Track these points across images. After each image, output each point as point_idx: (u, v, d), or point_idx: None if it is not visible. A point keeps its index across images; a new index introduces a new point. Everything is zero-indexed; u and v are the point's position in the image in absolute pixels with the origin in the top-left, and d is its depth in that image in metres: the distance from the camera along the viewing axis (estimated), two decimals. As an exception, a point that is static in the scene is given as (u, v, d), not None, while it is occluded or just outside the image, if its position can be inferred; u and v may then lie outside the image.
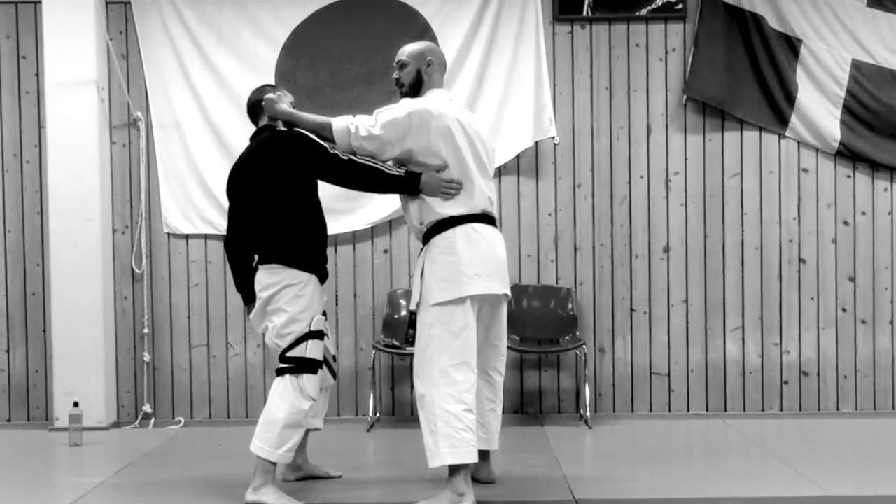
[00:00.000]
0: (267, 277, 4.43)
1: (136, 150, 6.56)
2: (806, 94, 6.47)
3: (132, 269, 6.55)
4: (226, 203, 4.79)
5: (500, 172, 6.46)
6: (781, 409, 6.55)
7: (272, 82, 6.45)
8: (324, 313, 4.53)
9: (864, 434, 5.95)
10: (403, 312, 6.45)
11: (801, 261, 6.56)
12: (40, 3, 6.35)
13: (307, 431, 4.65)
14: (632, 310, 6.57)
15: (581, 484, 4.63)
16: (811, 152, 6.55)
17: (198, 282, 6.57)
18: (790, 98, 6.47)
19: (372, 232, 6.57)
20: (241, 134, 5.80)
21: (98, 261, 6.30)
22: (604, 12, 6.50)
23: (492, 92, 6.48)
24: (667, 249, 6.57)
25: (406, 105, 4.34)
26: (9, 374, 6.56)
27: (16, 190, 6.55)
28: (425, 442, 4.23)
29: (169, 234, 6.57)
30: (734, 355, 6.55)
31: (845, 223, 6.55)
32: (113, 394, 6.47)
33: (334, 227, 6.23)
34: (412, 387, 6.45)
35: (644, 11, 6.51)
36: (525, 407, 6.58)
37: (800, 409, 6.54)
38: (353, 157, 4.36)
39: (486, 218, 4.38)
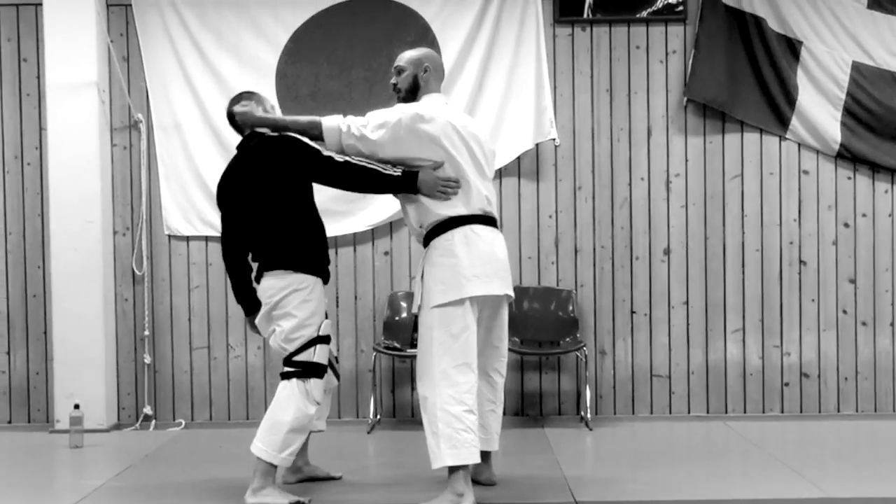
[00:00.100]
0: (274, 282, 4.41)
1: (137, 153, 6.56)
2: (806, 96, 6.47)
3: (133, 271, 6.55)
4: None
5: (500, 174, 6.47)
6: (782, 411, 6.55)
7: (273, 84, 6.49)
8: (325, 315, 4.54)
9: (864, 436, 5.95)
10: (404, 314, 6.46)
11: (801, 263, 6.56)
12: (41, 5, 6.35)
13: (309, 433, 4.64)
14: (632, 312, 6.57)
15: (582, 486, 4.63)
16: (812, 154, 6.56)
17: (198, 284, 6.57)
18: (790, 100, 6.48)
19: (373, 234, 6.57)
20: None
21: (99, 263, 6.30)
22: (604, 14, 6.51)
23: (492, 94, 6.48)
24: (667, 251, 6.57)
25: (398, 109, 4.38)
26: (9, 376, 6.56)
27: (17, 192, 6.56)
28: (428, 443, 4.24)
29: (170, 235, 6.58)
30: (735, 357, 6.55)
31: (846, 225, 6.55)
32: (114, 396, 6.48)
33: (335, 229, 6.26)
34: (413, 389, 6.50)
35: (644, 13, 6.51)
36: (526, 409, 6.58)
37: (800, 411, 6.54)
38: (349, 159, 4.35)
39: (485, 219, 4.38)
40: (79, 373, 6.23)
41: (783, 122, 6.51)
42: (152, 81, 6.53)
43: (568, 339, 6.44)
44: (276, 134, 4.47)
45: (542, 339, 6.52)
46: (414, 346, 5.90)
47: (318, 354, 4.40)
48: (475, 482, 4.53)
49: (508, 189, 6.55)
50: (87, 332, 6.26)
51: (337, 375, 4.76)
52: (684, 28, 6.54)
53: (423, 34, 6.42)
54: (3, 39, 6.55)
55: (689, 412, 6.55)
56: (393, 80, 4.56)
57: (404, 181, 4.32)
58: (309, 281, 4.41)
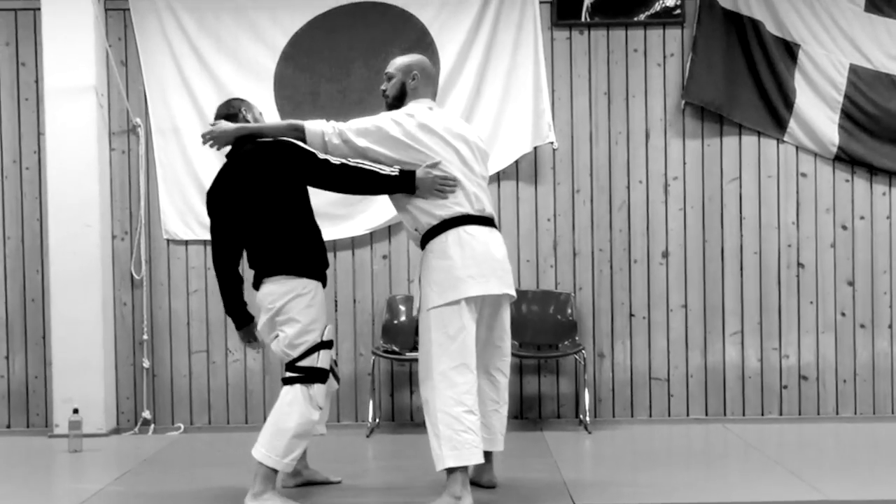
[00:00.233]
0: (275, 288, 4.39)
1: (136, 157, 6.57)
2: (804, 99, 6.48)
3: (131, 276, 6.55)
4: None
5: (498, 178, 6.47)
6: (781, 414, 6.55)
7: (271, 88, 6.49)
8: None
9: (863, 438, 5.95)
10: (403, 318, 6.46)
11: (799, 265, 6.56)
12: (39, 9, 6.35)
13: (308, 437, 4.65)
14: (631, 315, 6.57)
15: (581, 489, 4.63)
16: (809, 157, 6.56)
17: (197, 288, 6.57)
18: (788, 103, 6.48)
19: (371, 237, 6.57)
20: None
21: (97, 267, 6.30)
22: (602, 18, 6.51)
23: (490, 97, 6.48)
24: (666, 254, 6.57)
25: (380, 115, 4.44)
26: (8, 381, 6.56)
27: (15, 196, 6.56)
28: (431, 446, 4.25)
29: (168, 240, 6.58)
30: (733, 360, 6.55)
31: (844, 228, 6.56)
32: (112, 400, 6.47)
33: (333, 232, 6.27)
34: (412, 392, 6.50)
35: (642, 17, 6.52)
36: (524, 412, 6.58)
37: (799, 414, 6.55)
38: (345, 161, 4.34)
39: (479, 219, 4.39)
40: (77, 377, 6.22)
41: (781, 125, 6.52)
42: (150, 85, 6.53)
43: (566, 343, 6.44)
44: (270, 139, 4.47)
45: (540, 342, 6.52)
46: (413, 349, 5.92)
47: (322, 360, 4.40)
48: (476, 484, 4.55)
49: (507, 192, 6.55)
50: (86, 336, 6.26)
51: (337, 379, 4.77)
52: (682, 31, 6.55)
53: (420, 38, 6.43)
54: (2, 44, 6.55)
55: (687, 415, 6.56)
56: (382, 87, 4.60)
57: (402, 181, 4.32)
58: (311, 286, 4.41)
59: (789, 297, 6.55)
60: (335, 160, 4.35)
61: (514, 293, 4.54)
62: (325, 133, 4.38)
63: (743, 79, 6.50)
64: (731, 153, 6.57)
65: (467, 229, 4.33)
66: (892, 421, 6.40)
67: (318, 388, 4.38)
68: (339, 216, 6.33)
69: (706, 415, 6.56)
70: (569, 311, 6.50)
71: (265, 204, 4.40)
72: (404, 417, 6.57)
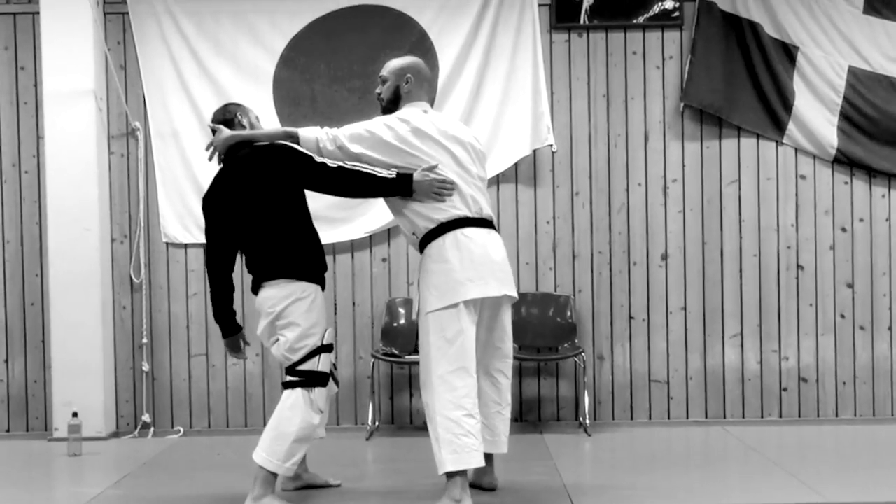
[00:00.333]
0: (275, 292, 4.39)
1: (135, 160, 6.57)
2: (803, 101, 6.48)
3: (131, 279, 6.55)
4: None
5: (497, 180, 6.48)
6: (780, 416, 6.55)
7: (270, 92, 6.49)
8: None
9: (863, 441, 5.95)
10: (402, 321, 6.46)
11: (799, 267, 6.56)
12: (38, 13, 6.35)
13: (307, 440, 4.65)
14: (630, 317, 6.57)
15: (580, 492, 4.63)
16: (808, 159, 6.56)
17: (196, 291, 6.57)
18: (787, 105, 6.49)
19: (370, 240, 6.57)
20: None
21: (97, 271, 6.30)
22: (601, 20, 6.52)
23: (489, 100, 6.49)
24: (665, 257, 6.57)
25: (374, 120, 4.42)
26: (7, 385, 6.56)
27: (14, 200, 6.56)
28: (433, 449, 4.25)
29: (167, 243, 6.58)
30: (733, 362, 6.55)
31: (843, 230, 6.56)
32: (112, 404, 6.47)
33: (333, 236, 6.27)
34: (411, 395, 6.50)
35: (641, 19, 6.52)
36: (524, 415, 6.58)
37: (799, 416, 6.54)
38: (342, 164, 4.33)
39: (477, 221, 4.38)
40: (77, 381, 6.22)
41: (780, 127, 6.52)
42: (149, 89, 6.54)
43: (566, 345, 6.44)
44: (266, 143, 4.46)
45: (540, 344, 6.52)
46: (412, 352, 5.92)
47: (322, 363, 4.40)
48: (477, 486, 4.56)
49: (506, 195, 6.55)
50: (85, 340, 6.26)
51: (337, 382, 4.76)
52: (681, 33, 6.55)
53: (419, 41, 6.43)
54: (1, 48, 6.55)
55: (687, 417, 6.55)
56: (377, 90, 4.60)
57: (399, 183, 4.31)
58: (310, 289, 4.41)
59: (789, 300, 6.55)
60: (332, 163, 4.34)
61: (514, 293, 4.53)
62: (319, 139, 4.38)
63: (742, 81, 6.50)
64: (730, 155, 6.57)
65: (465, 232, 4.33)
66: (891, 423, 6.40)
67: (319, 392, 4.38)
68: (338, 219, 6.33)
69: (706, 417, 6.56)
70: (568, 313, 6.49)
71: (262, 208, 4.39)
72: (404, 420, 6.57)
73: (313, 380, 4.37)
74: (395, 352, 6.28)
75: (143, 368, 6.53)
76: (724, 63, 6.48)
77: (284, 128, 4.57)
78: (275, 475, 4.35)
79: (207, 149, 4.56)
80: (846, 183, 6.57)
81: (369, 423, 6.31)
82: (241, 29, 6.51)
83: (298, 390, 4.35)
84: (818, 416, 6.54)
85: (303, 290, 4.39)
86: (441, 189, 4.31)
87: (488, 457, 4.57)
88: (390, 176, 4.31)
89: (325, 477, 4.88)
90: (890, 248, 6.55)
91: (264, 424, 4.44)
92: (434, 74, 6.16)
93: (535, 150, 6.49)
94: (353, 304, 6.58)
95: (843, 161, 6.51)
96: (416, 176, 4.29)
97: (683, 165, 6.58)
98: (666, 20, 6.52)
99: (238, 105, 4.73)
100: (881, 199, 6.57)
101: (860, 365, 6.55)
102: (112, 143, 6.56)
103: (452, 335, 4.24)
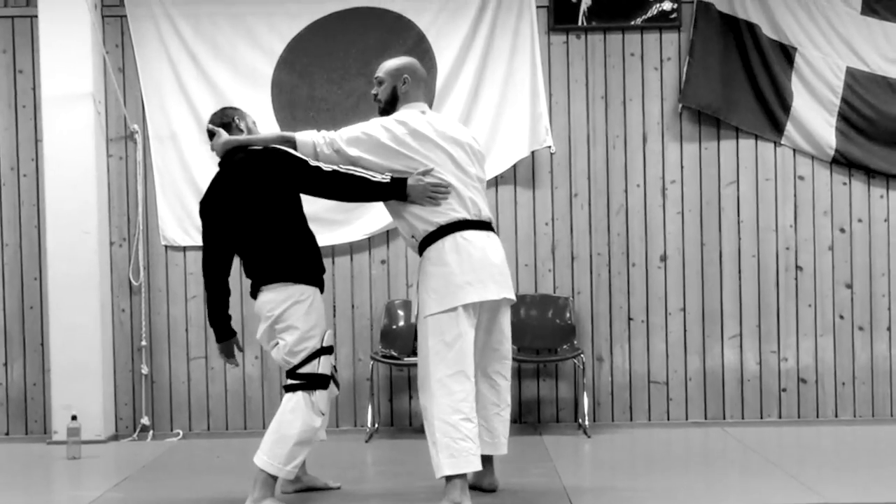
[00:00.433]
0: (273, 296, 4.39)
1: (133, 163, 6.57)
2: (801, 102, 6.49)
3: (130, 282, 6.55)
4: None
5: (496, 182, 6.48)
6: (780, 417, 6.55)
7: (268, 94, 6.49)
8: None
9: (862, 441, 5.95)
10: (401, 323, 6.46)
11: (798, 268, 6.57)
12: (36, 17, 6.35)
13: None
14: (629, 318, 6.57)
15: (580, 493, 4.63)
16: (807, 160, 6.57)
17: (195, 294, 6.57)
18: (785, 106, 6.49)
19: (369, 243, 6.57)
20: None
21: (95, 274, 6.30)
22: (599, 22, 6.52)
23: (488, 102, 6.49)
24: (664, 258, 6.57)
25: (370, 122, 4.41)
26: (7, 388, 6.55)
27: (13, 203, 6.56)
28: (430, 453, 4.24)
29: (166, 246, 6.58)
30: (732, 363, 6.55)
31: (842, 230, 6.56)
32: (111, 407, 6.46)
33: (331, 238, 6.27)
34: (411, 397, 6.50)
35: (639, 21, 6.52)
36: (523, 416, 6.58)
37: (798, 417, 6.54)
38: (337, 168, 4.33)
39: (477, 224, 4.38)
40: (76, 384, 6.22)
41: (778, 128, 6.52)
42: (148, 92, 6.54)
43: (565, 347, 6.44)
44: (261, 147, 4.46)
45: (539, 346, 6.52)
46: (411, 354, 5.91)
47: (323, 366, 4.40)
48: (477, 488, 4.55)
49: (504, 197, 6.56)
50: (84, 343, 6.25)
51: (337, 385, 4.76)
52: (679, 35, 6.55)
53: (417, 43, 6.43)
54: (-1, 51, 6.57)
55: (686, 418, 6.55)
56: (373, 91, 4.57)
57: (393, 188, 4.31)
58: (309, 292, 4.41)
59: (787, 300, 6.55)
60: (327, 167, 4.34)
61: (513, 296, 4.53)
62: (316, 143, 4.37)
63: (740, 82, 6.51)
64: (729, 156, 6.58)
65: (464, 235, 4.32)
66: (891, 423, 6.40)
67: (319, 395, 4.38)
68: (337, 221, 6.33)
69: (705, 418, 6.56)
70: (567, 315, 6.49)
71: (259, 211, 4.40)
72: (403, 422, 6.57)
73: (314, 382, 4.37)
74: (395, 354, 6.27)
75: (143, 371, 6.53)
76: (722, 64, 6.49)
77: (282, 132, 4.56)
78: (274, 478, 4.35)
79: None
80: (844, 184, 6.57)
81: (368, 425, 6.31)
82: (240, 32, 6.52)
83: (299, 393, 4.36)
84: (817, 416, 6.54)
85: (301, 292, 4.39)
86: (435, 193, 4.30)
87: (488, 458, 4.56)
88: (384, 180, 4.31)
89: (325, 479, 4.88)
90: (888, 248, 6.56)
91: (264, 427, 4.44)
92: (432, 76, 6.16)
93: (533, 152, 6.49)
94: (352, 306, 6.58)
95: (842, 162, 6.51)
96: (409, 180, 4.29)
97: (682, 167, 6.58)
98: (664, 22, 6.52)
99: (235, 109, 4.74)
100: (879, 199, 6.57)
101: (859, 365, 6.55)
102: (110, 146, 6.56)
103: (451, 339, 4.24)
